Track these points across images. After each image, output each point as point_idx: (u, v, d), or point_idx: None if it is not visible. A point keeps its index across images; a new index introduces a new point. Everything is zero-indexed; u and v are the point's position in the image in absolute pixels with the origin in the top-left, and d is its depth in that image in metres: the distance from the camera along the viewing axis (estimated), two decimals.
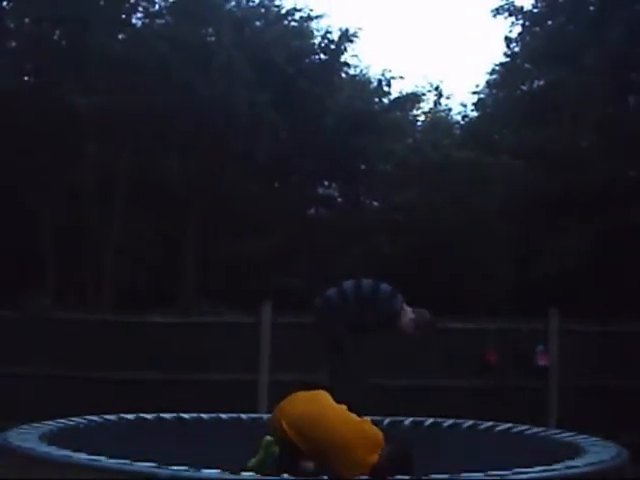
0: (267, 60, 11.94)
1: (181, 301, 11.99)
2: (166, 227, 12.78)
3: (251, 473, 4.19)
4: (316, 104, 12.67)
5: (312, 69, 12.85)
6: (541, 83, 13.63)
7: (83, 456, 4.43)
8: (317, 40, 13.11)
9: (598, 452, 4.97)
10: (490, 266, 12.05)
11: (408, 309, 5.49)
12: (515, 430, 6.08)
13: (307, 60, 12.99)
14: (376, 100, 14.16)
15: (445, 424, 6.47)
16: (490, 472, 4.24)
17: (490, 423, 6.34)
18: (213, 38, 11.94)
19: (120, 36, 12.22)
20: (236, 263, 12.69)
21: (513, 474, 4.21)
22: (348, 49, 13.28)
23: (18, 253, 11.88)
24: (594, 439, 5.46)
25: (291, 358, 9.68)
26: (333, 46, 13.06)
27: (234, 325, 10.07)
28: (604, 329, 9.89)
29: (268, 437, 4.63)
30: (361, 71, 14.77)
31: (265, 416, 7.07)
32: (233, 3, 12.83)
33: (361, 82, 14.58)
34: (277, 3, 13.22)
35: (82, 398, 8.91)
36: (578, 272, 11.14)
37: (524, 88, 14.03)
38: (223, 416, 6.64)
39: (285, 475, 4.19)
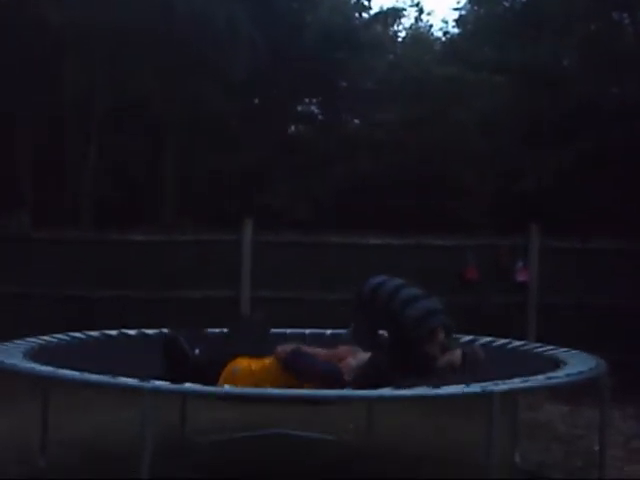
0: None
1: (162, 220, 11.93)
2: (145, 145, 12.64)
3: (230, 386, 4.21)
4: (296, 19, 12.44)
5: None
6: None
7: (67, 371, 4.43)
8: None
9: (577, 364, 5.04)
10: (470, 182, 12.03)
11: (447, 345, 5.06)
12: (496, 344, 6.15)
13: None
14: (356, 15, 13.95)
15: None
16: (471, 383, 4.29)
17: (470, 337, 6.39)
18: None
19: None
20: (216, 182, 12.59)
21: (493, 385, 4.26)
22: None
23: None
24: (573, 352, 5.53)
25: (272, 275, 9.71)
26: None
27: (215, 243, 10.05)
28: (585, 246, 9.93)
29: None
30: None
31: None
32: None
33: None
34: None
35: (63, 317, 8.92)
36: (559, 189, 11.13)
37: (506, 4, 13.81)
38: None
39: None
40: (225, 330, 5.60)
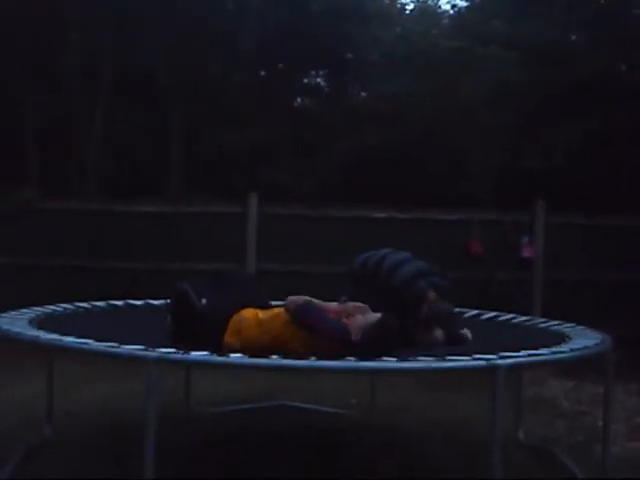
0: None
1: (168, 192, 11.93)
2: (151, 118, 12.60)
3: (239, 354, 4.20)
4: None
5: None
6: None
7: (72, 339, 4.44)
8: None
9: (582, 339, 5.03)
10: (477, 157, 11.99)
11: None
12: (501, 318, 6.14)
13: None
14: None
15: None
16: (477, 355, 4.28)
17: (476, 311, 6.39)
18: None
19: None
20: (223, 155, 12.57)
21: (499, 358, 4.25)
22: None
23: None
24: (579, 327, 5.52)
25: (276, 248, 9.71)
26: None
27: (221, 215, 10.03)
28: (589, 222, 9.92)
29: None
30: None
31: None
32: None
33: None
34: None
35: (69, 287, 8.91)
36: (566, 166, 11.10)
37: None
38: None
39: None
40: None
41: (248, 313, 4.61)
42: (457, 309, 6.38)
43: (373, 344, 4.23)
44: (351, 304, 4.69)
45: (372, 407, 6.47)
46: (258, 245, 9.78)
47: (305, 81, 14.22)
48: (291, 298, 4.55)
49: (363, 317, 4.47)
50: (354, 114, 12.72)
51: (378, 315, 4.47)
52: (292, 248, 9.70)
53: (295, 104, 14.09)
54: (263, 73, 13.74)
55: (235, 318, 4.57)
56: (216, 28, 11.71)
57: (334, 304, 4.73)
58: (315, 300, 4.62)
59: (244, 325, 4.51)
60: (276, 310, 4.60)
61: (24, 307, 5.67)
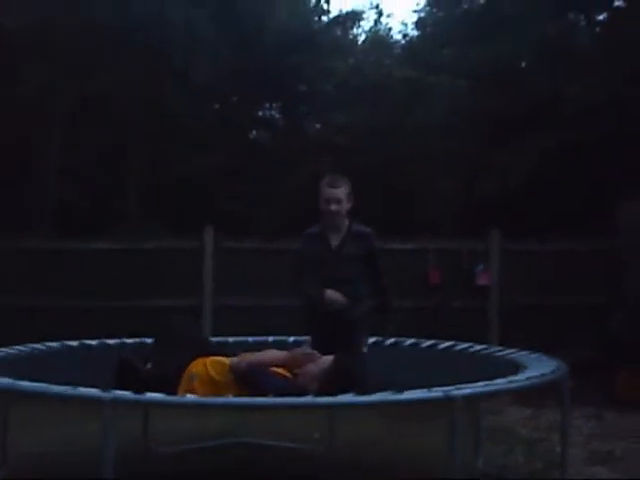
0: None
1: (125, 226, 11.84)
2: (106, 149, 12.54)
3: (193, 395, 4.19)
4: (255, 22, 12.42)
5: None
6: (481, 1, 13.51)
7: (26, 383, 4.39)
8: None
9: (538, 367, 5.08)
10: (433, 186, 12.08)
11: None
12: (457, 348, 6.18)
13: None
14: (316, 19, 13.96)
15: (387, 342, 6.56)
16: (433, 388, 4.31)
17: (432, 341, 6.43)
18: None
19: None
20: (178, 187, 12.53)
21: (456, 389, 4.28)
22: None
23: None
24: (534, 355, 5.58)
25: (234, 282, 9.68)
26: None
27: (176, 251, 10.00)
28: (543, 248, 10.04)
29: None
30: None
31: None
32: None
33: (300, 0, 14.32)
34: None
35: (25, 327, 8.83)
36: (521, 191, 11.21)
37: (465, 6, 13.89)
38: None
39: None
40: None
41: (198, 367, 4.59)
42: (414, 339, 6.46)
43: (333, 389, 4.24)
44: (299, 352, 4.69)
45: (333, 441, 6.45)
46: (215, 279, 9.76)
47: (260, 114, 14.26)
48: (234, 361, 4.53)
49: (315, 365, 4.48)
50: (309, 146, 12.76)
51: (330, 358, 4.47)
52: (249, 282, 9.68)
53: (250, 136, 14.11)
54: (217, 106, 13.77)
55: (186, 376, 4.55)
56: (167, 63, 11.70)
57: (283, 354, 4.72)
58: (261, 354, 4.60)
59: (197, 384, 4.50)
60: (225, 362, 4.57)
61: None
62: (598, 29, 12.84)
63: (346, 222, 5.53)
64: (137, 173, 12.32)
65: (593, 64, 11.40)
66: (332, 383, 4.34)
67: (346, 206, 5.41)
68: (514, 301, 9.85)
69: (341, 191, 5.39)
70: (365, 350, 5.35)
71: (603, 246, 9.96)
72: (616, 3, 12.38)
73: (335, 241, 5.52)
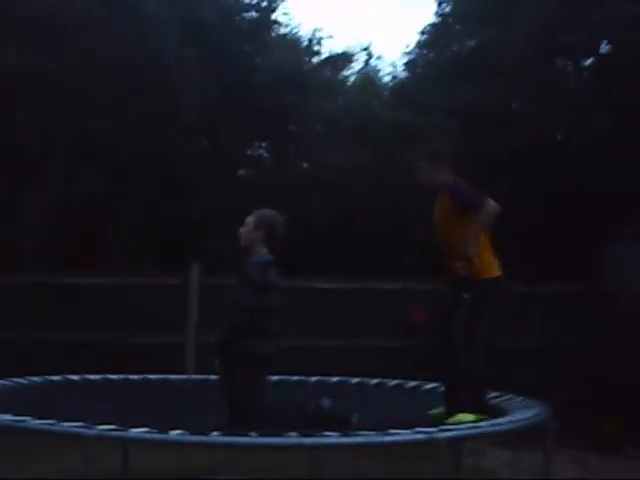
0: (197, 17, 11.74)
1: (111, 263, 11.81)
2: (97, 187, 12.53)
3: (180, 431, 4.16)
4: (246, 62, 12.53)
5: (243, 27, 12.70)
6: (472, 44, 13.64)
7: (8, 417, 4.37)
8: None
9: (522, 410, 5.09)
10: (421, 226, 12.10)
11: None
12: (441, 390, 6.17)
13: (238, 18, 12.84)
14: (306, 59, 14.09)
15: (371, 383, 6.57)
16: (417, 429, 4.31)
17: (416, 382, 6.44)
18: None
19: None
20: (164, 224, 12.51)
21: (440, 431, 4.28)
22: (279, 7, 13.25)
23: None
24: (518, 399, 5.59)
25: (219, 320, 9.64)
26: (264, 3, 12.95)
27: (161, 287, 9.99)
28: (530, 290, 10.06)
29: None
30: (292, 30, 14.65)
31: (194, 377, 7.10)
32: None
33: (292, 41, 14.45)
34: None
35: (6, 362, 8.76)
36: (506, 232, 11.24)
37: (455, 48, 14.02)
38: (151, 377, 6.62)
39: None
40: None
41: None
42: (397, 380, 6.48)
43: None
44: None
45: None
46: (200, 317, 9.73)
47: (248, 152, 14.31)
48: None
49: None
50: (297, 185, 12.80)
51: None
52: None
53: (239, 174, 14.15)
54: (206, 143, 13.81)
55: None
56: (156, 102, 11.74)
57: None
58: None
59: None
60: None
61: None
62: (585, 74, 12.99)
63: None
64: (124, 211, 12.31)
65: (581, 107, 11.52)
66: None
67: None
68: (501, 342, 9.85)
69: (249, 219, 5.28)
70: None
71: (588, 289, 9.99)
72: (602, 49, 12.54)
73: None
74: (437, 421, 4.99)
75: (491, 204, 5.31)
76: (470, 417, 4.96)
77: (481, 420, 4.92)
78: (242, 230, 5.16)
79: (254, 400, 4.76)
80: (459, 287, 5.32)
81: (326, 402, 4.88)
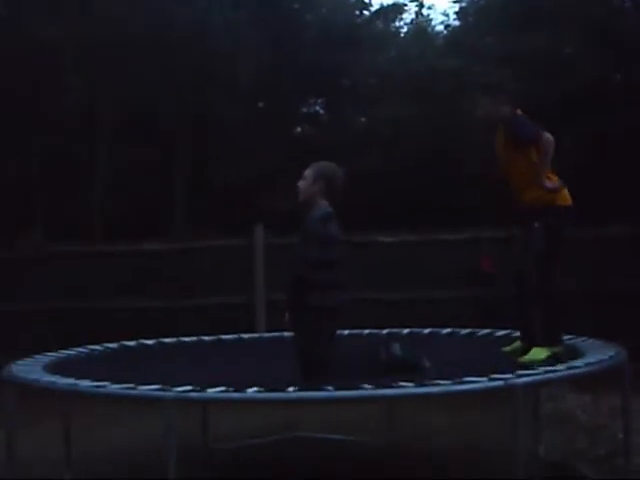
0: None
1: (173, 228, 11.94)
2: (155, 155, 12.63)
3: (257, 389, 4.19)
4: (296, 19, 12.45)
5: None
6: None
7: (88, 383, 4.45)
8: None
9: (597, 353, 5.03)
10: (481, 175, 11.98)
11: None
12: (514, 335, 6.13)
13: None
14: (357, 13, 13.93)
15: (443, 332, 6.55)
16: (493, 375, 4.28)
17: (488, 330, 6.41)
18: None
19: None
20: (226, 187, 12.58)
21: (516, 376, 4.25)
22: None
23: (3, 191, 11.73)
24: (592, 340, 5.53)
25: (285, 278, 9.69)
26: None
27: (228, 248, 10.06)
28: (598, 232, 9.89)
29: None
30: None
31: (266, 335, 7.16)
32: None
33: None
34: None
35: (82, 329, 8.95)
36: (572, 178, 11.07)
37: None
38: (224, 337, 6.70)
39: None
40: None
41: None
42: (471, 329, 6.45)
43: None
44: None
45: (391, 433, 6.44)
46: (266, 276, 9.79)
47: (304, 110, 14.25)
48: None
49: None
50: (354, 139, 12.73)
51: None
52: None
53: (296, 133, 14.12)
54: (261, 104, 13.80)
55: None
56: (212, 64, 11.75)
57: None
58: None
59: None
60: None
61: (42, 351, 5.71)
62: None
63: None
64: (185, 177, 12.40)
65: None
66: None
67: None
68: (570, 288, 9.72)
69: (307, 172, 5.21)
70: None
71: None
72: None
73: None
74: (512, 355, 4.98)
75: (546, 136, 5.24)
76: (543, 353, 4.94)
77: (555, 354, 4.90)
78: (301, 184, 5.10)
79: (325, 352, 4.76)
80: (530, 219, 5.27)
81: (397, 348, 4.85)
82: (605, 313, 9.34)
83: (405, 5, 14.96)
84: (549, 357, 4.90)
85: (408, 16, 15.34)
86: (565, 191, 5.39)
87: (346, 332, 6.12)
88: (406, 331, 6.64)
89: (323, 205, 5.03)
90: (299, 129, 14.37)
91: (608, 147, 11.00)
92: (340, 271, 5.00)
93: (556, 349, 5.03)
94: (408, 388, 4.20)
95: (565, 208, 5.36)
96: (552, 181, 5.31)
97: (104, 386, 4.37)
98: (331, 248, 4.95)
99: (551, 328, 5.17)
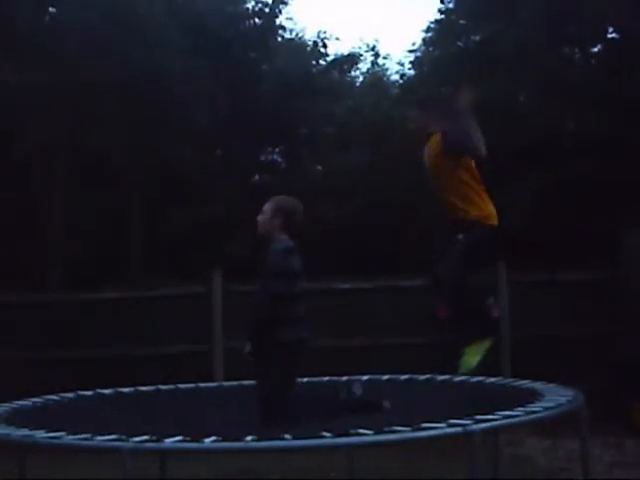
0: (201, 27, 11.78)
1: (130, 275, 11.86)
2: (110, 202, 12.59)
3: (214, 438, 4.15)
4: (253, 69, 12.56)
5: (247, 34, 12.73)
6: (477, 39, 13.59)
7: (43, 434, 4.38)
8: (251, 4, 13.02)
9: (554, 397, 5.06)
10: (437, 222, 12.07)
11: None
12: (472, 381, 6.15)
13: (242, 25, 12.87)
14: (313, 63, 14.09)
15: (401, 379, 6.55)
16: (451, 421, 4.28)
17: (447, 376, 6.41)
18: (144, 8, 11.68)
19: (50, 9, 11.92)
20: (182, 234, 12.56)
21: (475, 422, 4.26)
22: (283, 12, 13.27)
23: None
24: (550, 385, 5.56)
25: (244, 325, 9.65)
26: (267, 9, 12.98)
27: (185, 296, 10.01)
28: (550, 278, 10.02)
29: None
30: (297, 34, 14.70)
31: (224, 384, 7.10)
32: None
33: (297, 45, 14.48)
34: None
35: (37, 380, 8.79)
36: (523, 224, 11.22)
37: (460, 44, 13.97)
38: (181, 386, 6.63)
39: None
40: None
41: None
42: (428, 375, 6.46)
43: None
44: None
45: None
46: (224, 323, 9.73)
47: (262, 158, 14.33)
48: None
49: None
50: (312, 188, 12.80)
51: None
52: None
53: (253, 181, 14.17)
54: (219, 152, 13.84)
55: None
56: (168, 112, 11.77)
57: None
58: None
59: None
60: None
61: None
62: (593, 61, 12.92)
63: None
64: (141, 224, 12.36)
65: (590, 96, 11.46)
66: None
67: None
68: (525, 333, 9.81)
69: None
70: None
71: (607, 276, 9.95)
72: (610, 35, 12.47)
73: None
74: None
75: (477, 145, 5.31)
76: (475, 359, 4.96)
77: (488, 346, 4.91)
78: (260, 218, 5.11)
79: (286, 386, 4.73)
80: (456, 231, 5.33)
81: (357, 387, 4.85)
82: (559, 357, 9.43)
83: (361, 55, 15.20)
84: (480, 362, 4.90)
85: (364, 65, 15.59)
86: (494, 213, 5.44)
87: (304, 380, 6.10)
88: (365, 378, 6.63)
89: (283, 239, 5.04)
90: (257, 177, 14.42)
91: (561, 194, 11.17)
92: (302, 305, 5.00)
93: (486, 342, 5.04)
94: (366, 436, 4.18)
95: (491, 228, 5.41)
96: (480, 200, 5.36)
97: (60, 437, 4.30)
98: (293, 281, 4.95)
99: (473, 321, 5.20)
